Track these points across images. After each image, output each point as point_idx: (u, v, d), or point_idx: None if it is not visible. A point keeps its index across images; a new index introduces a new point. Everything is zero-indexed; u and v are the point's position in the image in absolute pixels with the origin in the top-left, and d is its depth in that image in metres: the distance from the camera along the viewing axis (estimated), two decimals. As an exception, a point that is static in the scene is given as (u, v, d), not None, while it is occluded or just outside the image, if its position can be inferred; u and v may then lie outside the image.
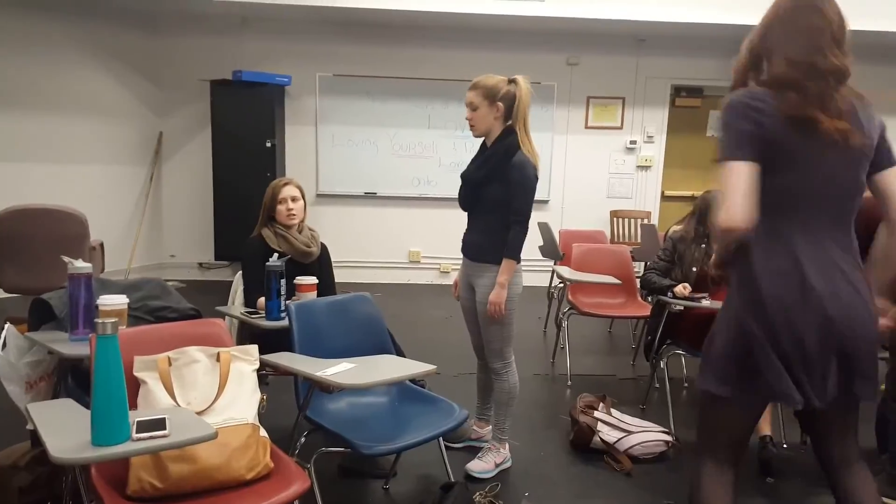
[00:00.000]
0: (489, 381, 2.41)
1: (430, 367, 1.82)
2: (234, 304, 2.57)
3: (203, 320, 1.84)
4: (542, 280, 4.75)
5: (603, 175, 6.05)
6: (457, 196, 2.33)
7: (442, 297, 5.07)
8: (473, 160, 2.31)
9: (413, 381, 2.16)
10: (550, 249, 4.37)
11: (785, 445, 2.62)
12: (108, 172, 5.41)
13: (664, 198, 6.15)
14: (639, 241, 5.42)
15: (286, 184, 2.49)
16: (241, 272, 2.52)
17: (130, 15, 5.35)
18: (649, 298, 3.44)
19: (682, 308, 2.68)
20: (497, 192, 2.19)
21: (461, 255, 2.38)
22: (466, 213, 2.35)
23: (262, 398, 1.65)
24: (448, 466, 2.13)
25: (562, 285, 3.92)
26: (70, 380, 1.85)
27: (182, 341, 1.63)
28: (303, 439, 1.91)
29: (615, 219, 6.04)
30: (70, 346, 1.73)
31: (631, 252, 3.97)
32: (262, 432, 1.58)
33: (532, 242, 3.02)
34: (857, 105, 1.35)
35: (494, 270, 2.19)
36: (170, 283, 2.15)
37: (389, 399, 2.15)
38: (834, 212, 1.35)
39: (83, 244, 3.23)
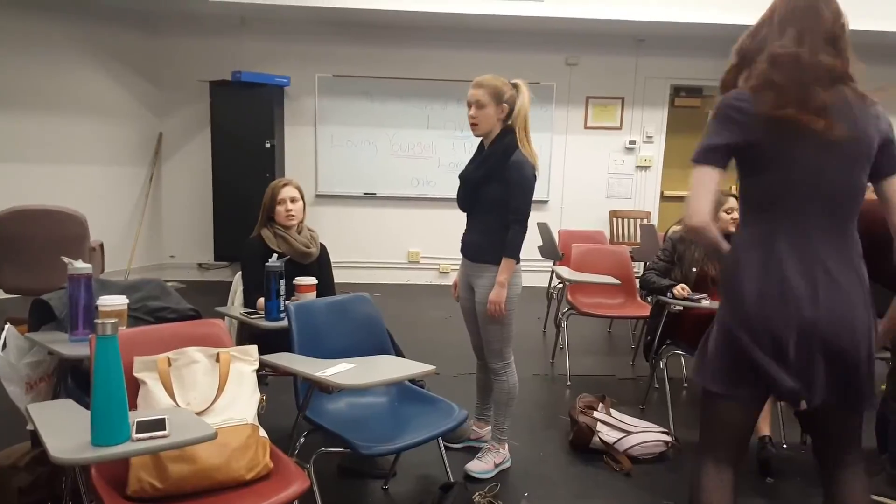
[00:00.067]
0: (489, 382, 2.41)
1: (429, 368, 1.82)
2: (233, 304, 2.58)
3: (202, 321, 1.85)
4: (542, 280, 4.75)
5: (602, 175, 6.06)
6: (455, 196, 2.33)
7: (441, 298, 5.07)
8: (472, 160, 2.31)
9: (412, 381, 2.16)
10: (550, 250, 4.37)
11: (784, 446, 2.62)
12: (108, 173, 5.41)
13: (663, 198, 6.15)
14: (638, 241, 5.42)
15: (285, 184, 2.49)
16: (240, 273, 2.53)
17: (130, 15, 5.35)
18: (649, 299, 3.44)
19: (681, 308, 2.68)
20: (496, 192, 2.19)
21: (460, 256, 2.38)
22: (465, 214, 2.35)
23: (262, 398, 1.65)
24: (447, 467, 2.14)
25: (561, 285, 3.92)
26: (70, 380, 1.85)
27: (182, 342, 1.63)
28: (302, 439, 1.91)
29: (614, 219, 6.04)
30: (70, 347, 1.73)
31: (630, 252, 3.97)
32: (262, 432, 1.58)
33: (531, 243, 3.03)
34: (857, 105, 1.32)
35: (494, 271, 2.20)
36: (169, 284, 2.15)
37: (389, 399, 2.15)
38: (825, 211, 1.33)
39: (83, 245, 3.23)
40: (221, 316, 2.22)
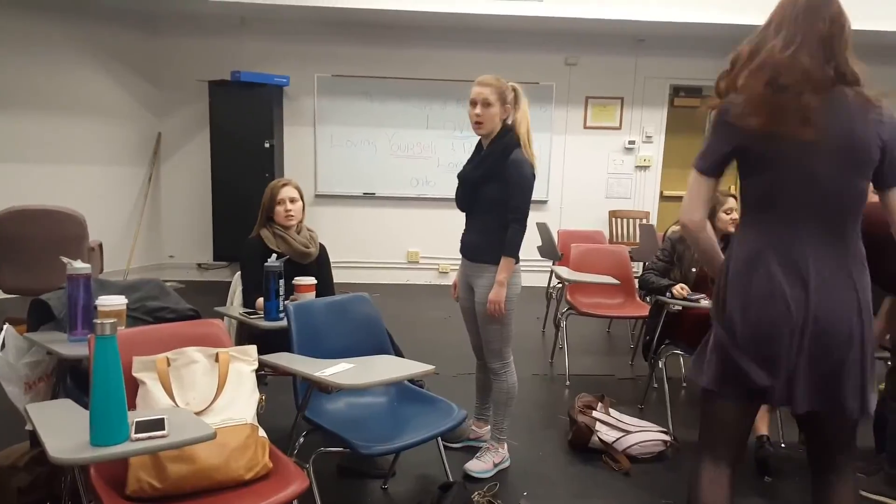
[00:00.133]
0: (488, 381, 2.42)
1: (428, 368, 1.82)
2: (232, 304, 2.58)
3: (202, 321, 1.85)
4: (541, 280, 4.75)
5: (601, 175, 6.06)
6: (454, 196, 2.33)
7: (440, 298, 5.07)
8: (470, 160, 2.31)
9: (412, 381, 2.16)
10: (549, 250, 4.37)
11: (783, 445, 2.63)
12: (107, 173, 5.41)
13: (663, 198, 6.16)
14: (637, 241, 5.42)
15: (285, 185, 2.49)
16: (239, 273, 2.53)
17: (129, 15, 5.35)
18: (648, 298, 3.45)
19: (680, 308, 2.68)
20: (494, 192, 2.19)
21: (460, 256, 2.38)
22: (464, 214, 2.35)
23: (261, 398, 1.65)
24: (447, 466, 2.14)
25: (560, 285, 3.92)
26: (69, 380, 1.85)
27: (181, 342, 1.63)
28: (301, 439, 1.92)
29: (614, 219, 6.05)
30: (69, 347, 1.73)
31: (629, 252, 3.97)
32: (261, 432, 1.58)
33: (531, 242, 3.03)
34: (856, 109, 1.29)
35: (493, 271, 2.20)
36: (168, 284, 2.15)
37: (388, 399, 2.15)
38: (819, 215, 1.33)
39: (82, 245, 3.23)
40: (220, 316, 2.22)
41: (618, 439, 2.50)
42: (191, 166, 5.74)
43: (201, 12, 5.38)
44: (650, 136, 6.01)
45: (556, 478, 2.36)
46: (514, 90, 2.21)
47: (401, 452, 2.14)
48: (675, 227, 3.07)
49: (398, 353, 2.23)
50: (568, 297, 3.63)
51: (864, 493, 2.07)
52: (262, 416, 1.64)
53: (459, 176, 2.31)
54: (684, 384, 3.40)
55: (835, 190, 1.32)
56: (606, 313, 3.75)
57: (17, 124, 4.87)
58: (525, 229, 2.19)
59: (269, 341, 2.03)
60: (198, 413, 1.48)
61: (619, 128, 6.00)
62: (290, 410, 1.96)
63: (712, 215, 2.57)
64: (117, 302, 1.81)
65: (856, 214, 1.35)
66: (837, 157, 1.30)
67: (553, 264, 4.16)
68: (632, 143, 6.01)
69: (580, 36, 5.70)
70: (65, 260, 1.82)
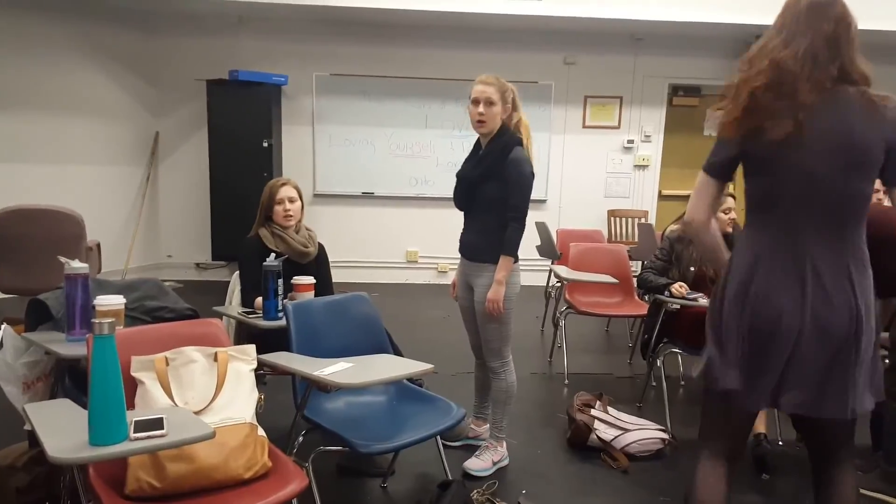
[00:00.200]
0: (487, 380, 2.42)
1: (427, 367, 1.82)
2: (231, 304, 2.58)
3: (200, 320, 1.84)
4: (540, 279, 4.76)
5: (600, 174, 6.06)
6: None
7: (439, 297, 5.08)
8: (468, 159, 2.31)
9: (411, 380, 2.17)
10: (548, 249, 4.38)
11: (780, 442, 2.63)
12: (105, 173, 5.40)
13: (661, 197, 6.16)
14: (636, 240, 5.43)
15: (284, 184, 2.49)
16: (238, 272, 2.52)
17: (126, 15, 5.34)
18: (646, 297, 3.46)
19: (678, 307, 2.69)
20: (493, 191, 2.19)
21: (459, 255, 2.38)
22: (463, 213, 2.35)
23: (260, 398, 1.65)
24: (446, 465, 2.14)
25: (559, 284, 3.92)
26: (67, 380, 1.84)
27: (179, 341, 1.63)
28: (301, 438, 1.92)
29: (612, 218, 6.05)
30: (67, 347, 1.73)
31: (628, 251, 3.97)
32: (260, 431, 1.58)
33: (529, 242, 3.04)
34: (860, 109, 1.28)
35: (492, 270, 2.20)
36: (167, 284, 2.15)
37: (387, 398, 2.15)
38: (820, 217, 1.32)
39: (80, 244, 3.22)
40: (219, 315, 2.22)
41: (616, 437, 2.50)
42: (189, 166, 5.73)
43: (199, 11, 5.37)
44: (649, 136, 6.02)
45: (554, 476, 2.36)
46: (514, 92, 2.21)
47: (400, 451, 2.14)
48: (674, 227, 3.07)
49: (397, 353, 2.23)
50: (567, 296, 3.63)
51: (861, 491, 2.08)
52: (262, 415, 1.64)
53: (458, 175, 2.31)
54: (682, 382, 3.40)
55: (833, 191, 1.31)
56: (605, 312, 3.75)
57: (14, 124, 4.86)
58: (524, 228, 2.19)
59: (267, 341, 2.03)
60: (197, 412, 1.48)
61: (618, 127, 6.00)
62: (290, 409, 1.96)
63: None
64: (115, 301, 1.81)
65: (857, 215, 1.34)
66: (835, 158, 1.30)
67: (552, 263, 4.16)
68: (630, 142, 6.01)
69: (579, 35, 5.70)
70: (63, 259, 1.82)
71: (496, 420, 2.37)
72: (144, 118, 5.64)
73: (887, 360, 2.31)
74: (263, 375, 2.27)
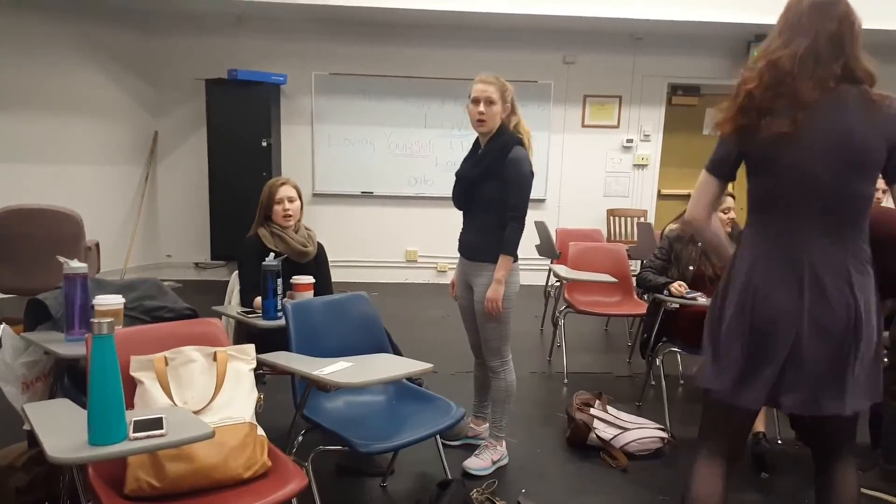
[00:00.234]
0: (486, 380, 2.42)
1: (426, 366, 1.82)
2: (230, 303, 2.57)
3: (199, 320, 1.85)
4: (539, 279, 4.76)
5: (599, 174, 6.06)
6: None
7: (439, 297, 5.08)
8: (467, 158, 2.31)
9: (410, 379, 2.17)
10: (547, 248, 4.37)
11: (779, 441, 2.64)
12: (104, 172, 5.39)
13: (661, 196, 6.16)
14: (635, 239, 5.42)
15: (283, 184, 2.49)
16: (237, 272, 2.52)
17: (125, 14, 5.33)
18: (645, 296, 3.46)
19: (677, 306, 2.69)
20: (493, 190, 2.19)
21: (458, 255, 2.38)
22: (462, 212, 2.35)
23: (260, 397, 1.65)
24: (445, 464, 2.14)
25: (558, 284, 3.92)
26: (66, 380, 1.84)
27: (178, 341, 1.63)
28: (300, 438, 1.92)
29: (612, 217, 6.05)
30: (66, 347, 1.73)
31: (627, 250, 3.98)
32: (260, 431, 1.58)
33: (529, 241, 3.03)
34: (861, 109, 1.27)
35: (492, 269, 2.20)
36: (166, 283, 2.14)
37: (387, 398, 2.15)
38: (820, 217, 1.32)
39: (79, 244, 3.22)
40: (218, 315, 2.22)
41: (615, 436, 2.50)
42: (188, 165, 5.73)
43: (198, 11, 5.36)
44: (648, 135, 6.02)
45: (554, 475, 2.37)
46: (512, 93, 2.21)
47: (399, 450, 2.14)
48: (673, 226, 3.07)
49: (396, 352, 2.23)
50: (566, 295, 3.63)
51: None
52: (261, 414, 1.64)
53: (457, 174, 2.31)
54: (681, 381, 3.40)
55: (833, 191, 1.31)
56: (604, 311, 3.75)
57: (12, 124, 4.85)
58: (523, 228, 2.19)
59: (267, 340, 2.03)
60: (196, 412, 1.48)
61: (617, 126, 6.00)
62: (289, 409, 1.96)
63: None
64: (114, 301, 1.81)
65: (857, 216, 1.33)
66: (834, 158, 1.29)
67: (551, 263, 4.16)
68: (630, 141, 6.01)
69: (578, 34, 5.69)
70: (61, 259, 1.82)
71: (495, 419, 2.37)
72: (143, 118, 5.64)
73: (886, 359, 2.31)
74: (263, 375, 2.27)
